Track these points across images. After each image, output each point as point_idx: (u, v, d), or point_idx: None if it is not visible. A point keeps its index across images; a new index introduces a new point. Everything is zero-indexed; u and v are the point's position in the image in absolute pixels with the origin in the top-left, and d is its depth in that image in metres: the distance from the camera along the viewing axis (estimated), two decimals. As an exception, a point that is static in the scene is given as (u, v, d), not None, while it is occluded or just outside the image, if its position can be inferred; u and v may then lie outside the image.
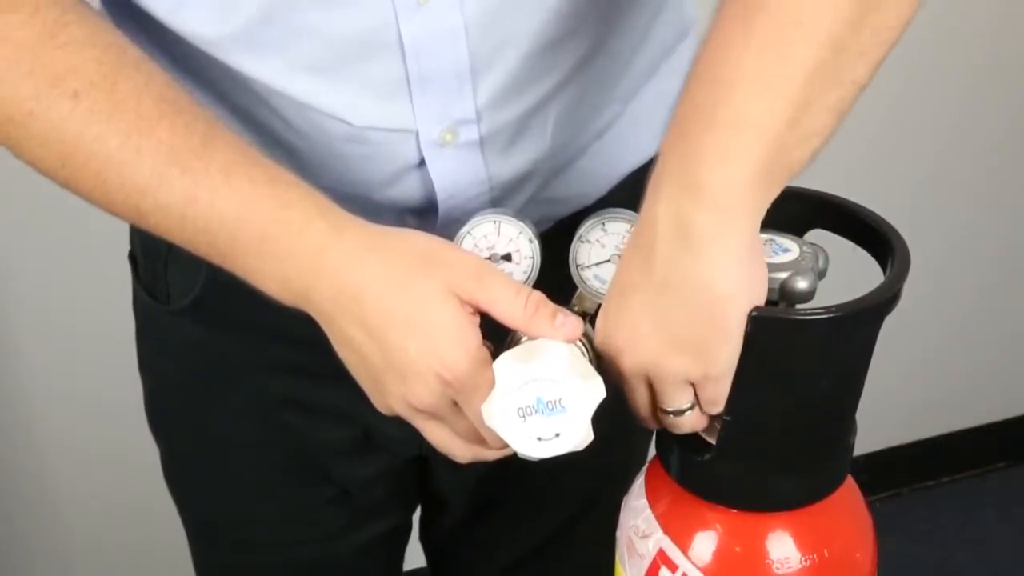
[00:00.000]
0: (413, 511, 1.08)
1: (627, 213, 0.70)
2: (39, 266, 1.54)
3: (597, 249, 0.70)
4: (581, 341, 0.67)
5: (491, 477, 0.97)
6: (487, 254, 0.69)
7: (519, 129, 0.78)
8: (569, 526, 1.04)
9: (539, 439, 0.63)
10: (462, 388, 0.65)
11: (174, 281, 0.90)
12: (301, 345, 0.86)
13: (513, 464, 0.97)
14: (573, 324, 0.65)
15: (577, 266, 0.69)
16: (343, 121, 0.74)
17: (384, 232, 0.68)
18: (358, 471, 0.96)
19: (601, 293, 0.67)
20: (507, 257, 0.69)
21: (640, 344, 0.63)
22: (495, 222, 0.69)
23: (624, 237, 0.70)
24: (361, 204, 0.79)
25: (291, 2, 0.69)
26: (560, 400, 0.63)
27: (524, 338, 0.67)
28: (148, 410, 1.01)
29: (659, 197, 0.61)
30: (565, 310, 0.66)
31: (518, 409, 0.63)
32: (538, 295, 0.66)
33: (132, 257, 0.95)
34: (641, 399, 0.67)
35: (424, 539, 1.15)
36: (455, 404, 0.67)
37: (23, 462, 1.69)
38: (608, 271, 0.68)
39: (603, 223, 0.70)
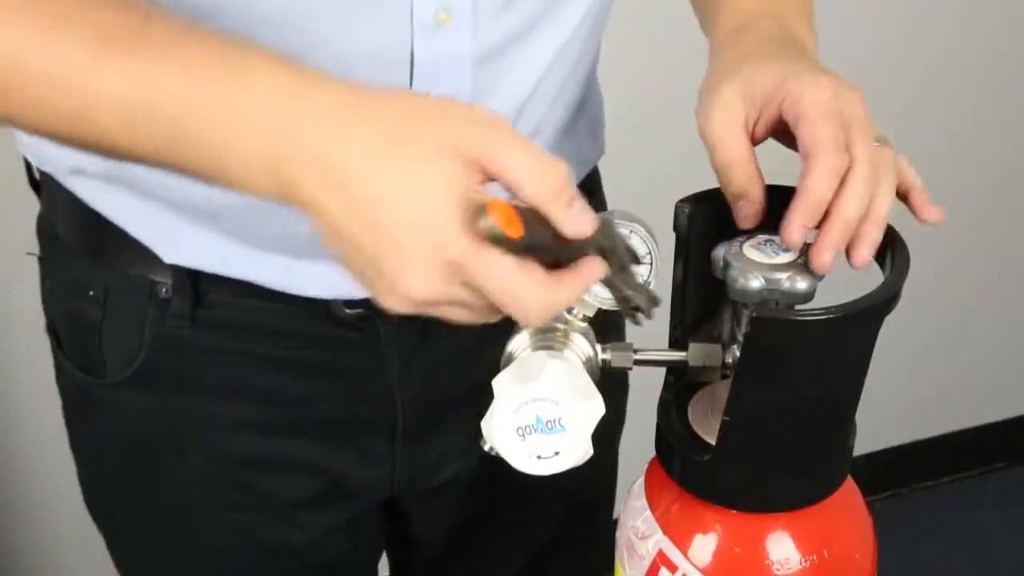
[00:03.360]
0: (379, 559, 1.02)
1: (627, 216, 0.70)
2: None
3: None
4: (581, 353, 0.67)
5: (464, 505, 0.95)
6: None
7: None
8: (548, 549, 1.02)
9: (538, 457, 0.63)
10: (470, 267, 0.55)
11: (110, 351, 0.84)
12: (263, 400, 0.85)
13: (485, 496, 0.94)
14: (587, 221, 0.56)
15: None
16: None
17: (366, 87, 0.57)
18: (324, 523, 0.91)
19: (603, 297, 0.67)
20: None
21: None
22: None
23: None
24: None
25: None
26: (559, 420, 0.63)
27: (521, 352, 0.67)
28: (87, 492, 0.94)
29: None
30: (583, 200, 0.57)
31: (517, 428, 0.63)
32: (568, 172, 0.56)
33: (51, 330, 0.89)
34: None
35: None
36: (466, 284, 0.56)
37: (11, 466, 1.69)
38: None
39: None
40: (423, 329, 0.85)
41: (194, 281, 0.81)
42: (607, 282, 0.62)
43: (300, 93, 0.56)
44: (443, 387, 0.88)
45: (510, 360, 0.68)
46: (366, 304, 0.81)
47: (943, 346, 2.15)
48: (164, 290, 0.81)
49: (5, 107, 0.61)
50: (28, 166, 0.87)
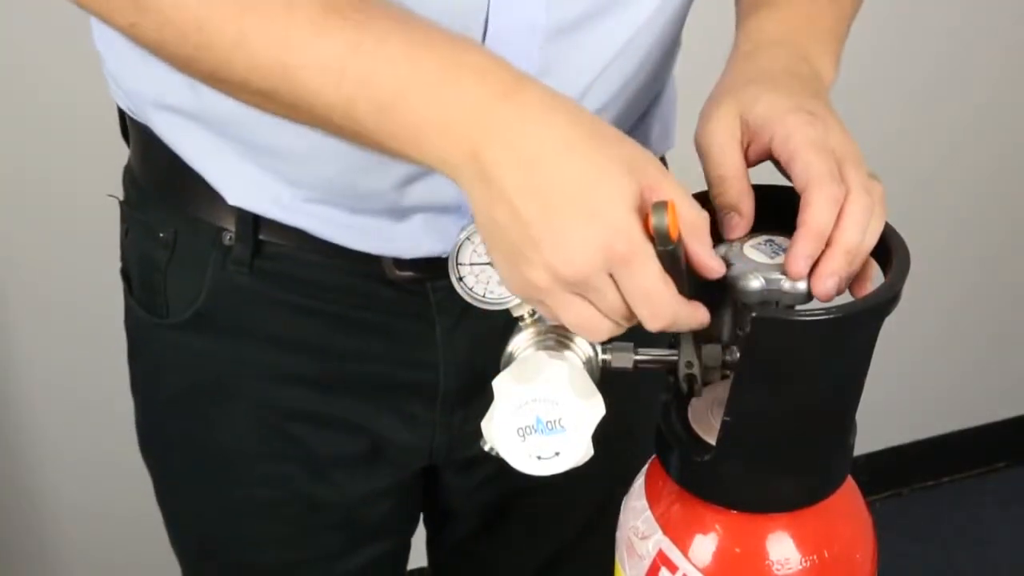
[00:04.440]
0: (414, 530, 1.05)
1: None
2: (36, 267, 1.54)
3: None
4: (581, 354, 0.67)
5: (502, 479, 0.96)
6: (487, 260, 0.69)
7: None
8: (583, 535, 1.03)
9: (539, 458, 0.64)
10: (632, 262, 0.60)
11: (174, 293, 0.88)
12: (313, 353, 0.87)
13: (523, 473, 0.97)
14: (718, 265, 0.64)
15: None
16: None
17: (566, 97, 0.63)
18: (364, 486, 0.94)
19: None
20: None
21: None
22: None
23: None
24: (390, 201, 0.80)
25: None
26: (559, 420, 0.63)
27: (521, 352, 0.67)
28: (141, 432, 0.98)
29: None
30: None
31: (517, 429, 0.63)
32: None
33: (124, 273, 0.93)
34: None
35: (432, 562, 1.12)
36: (609, 276, 0.61)
37: (12, 467, 1.69)
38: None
39: None
40: None
41: (255, 230, 0.84)
42: (689, 337, 0.67)
43: (515, 85, 0.61)
44: (484, 359, 0.89)
45: (510, 360, 0.68)
46: (417, 267, 0.84)
47: (943, 346, 2.15)
48: (228, 237, 0.85)
49: (211, 60, 0.64)
50: (121, 115, 0.91)
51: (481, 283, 0.69)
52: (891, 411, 2.08)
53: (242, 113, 0.66)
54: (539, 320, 0.69)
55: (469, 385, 0.90)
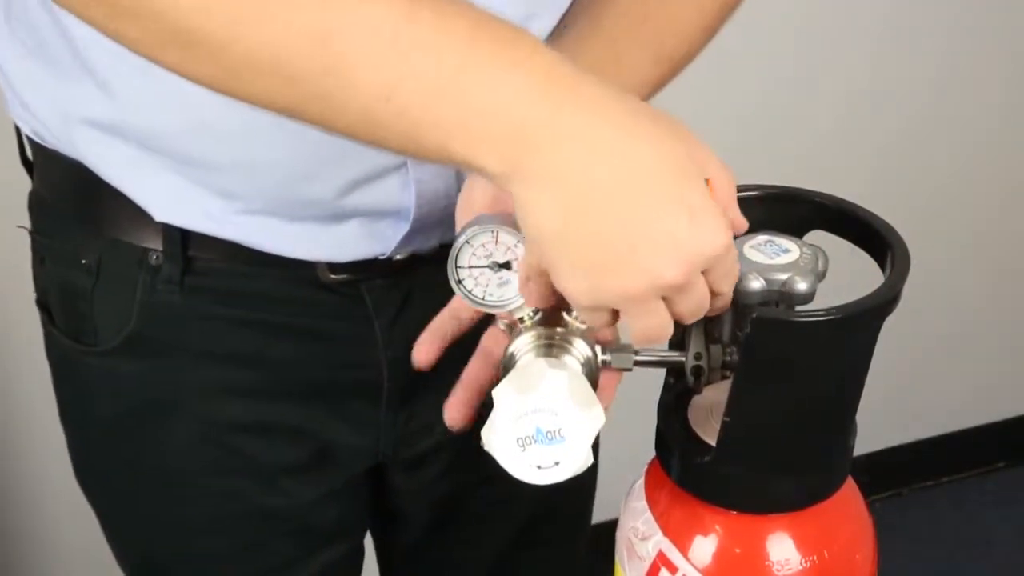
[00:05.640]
0: (365, 532, 1.03)
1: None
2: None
3: None
4: (581, 356, 0.67)
5: (450, 475, 0.96)
6: (486, 262, 0.69)
7: None
8: (535, 522, 1.02)
9: (538, 467, 0.63)
10: (729, 248, 0.59)
11: (103, 319, 0.85)
12: (253, 364, 0.86)
13: (470, 467, 0.97)
14: (744, 221, 0.64)
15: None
16: None
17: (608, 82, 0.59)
18: (313, 491, 0.92)
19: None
20: (506, 265, 0.69)
21: None
22: (492, 231, 0.69)
23: None
24: (330, 208, 0.79)
25: None
26: (559, 430, 0.63)
27: (522, 356, 0.67)
28: (77, 461, 0.95)
29: None
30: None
31: (517, 439, 0.63)
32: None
33: (42, 304, 0.90)
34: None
35: (384, 569, 1.10)
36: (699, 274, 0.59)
37: (12, 467, 1.69)
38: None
39: None
40: (406, 295, 0.88)
41: (184, 247, 0.82)
42: (701, 329, 0.67)
43: (573, 85, 0.57)
44: None
45: (511, 362, 0.68)
46: (350, 269, 0.84)
47: (943, 346, 2.15)
48: (155, 257, 0.83)
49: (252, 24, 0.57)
50: (20, 143, 0.88)
51: (480, 286, 0.69)
52: (891, 411, 2.08)
53: (166, 123, 0.65)
54: (539, 322, 0.69)
55: (412, 382, 0.90)
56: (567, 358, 0.67)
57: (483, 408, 0.65)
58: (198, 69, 0.58)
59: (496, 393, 0.63)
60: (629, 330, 0.62)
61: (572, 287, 0.59)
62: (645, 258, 0.57)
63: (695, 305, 0.60)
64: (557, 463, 0.63)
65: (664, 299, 0.59)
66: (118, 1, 0.56)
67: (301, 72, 0.56)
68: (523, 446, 0.63)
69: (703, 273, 0.59)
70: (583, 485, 1.06)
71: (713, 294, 0.61)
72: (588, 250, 0.57)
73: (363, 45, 0.55)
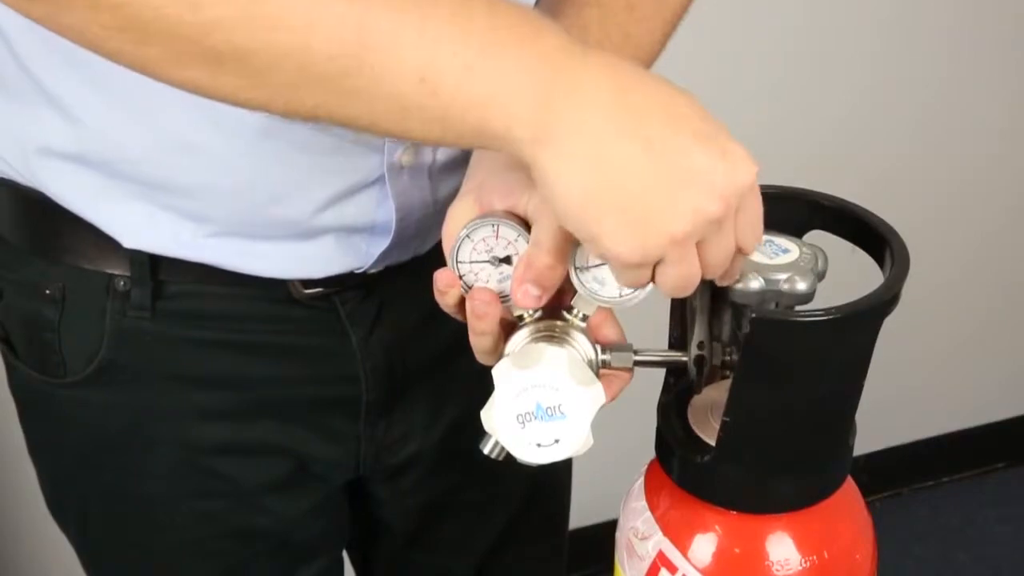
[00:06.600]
0: (343, 547, 1.02)
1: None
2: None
3: None
4: (582, 352, 0.67)
5: (429, 481, 0.96)
6: (486, 257, 0.69)
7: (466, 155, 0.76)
8: (519, 519, 1.03)
9: (538, 445, 0.63)
10: (755, 183, 0.60)
11: (71, 350, 0.84)
12: (228, 386, 0.85)
13: (450, 471, 0.96)
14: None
15: (576, 268, 0.69)
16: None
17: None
18: (294, 508, 0.92)
19: (599, 296, 0.67)
20: (506, 260, 0.69)
21: None
22: (493, 225, 0.69)
23: None
24: (304, 226, 0.79)
25: None
26: (559, 407, 0.63)
27: (523, 342, 0.67)
28: (50, 495, 0.94)
29: None
30: None
31: (517, 415, 0.63)
32: None
33: (2, 338, 0.88)
34: None
35: None
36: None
37: (12, 467, 1.69)
38: (606, 272, 0.67)
39: None
40: (380, 306, 0.87)
41: (153, 271, 0.81)
42: (705, 318, 0.67)
43: (596, 51, 0.59)
44: (403, 363, 0.90)
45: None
46: (324, 283, 0.83)
47: (943, 346, 2.15)
48: (122, 283, 0.82)
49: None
50: None
51: (481, 281, 0.69)
52: (891, 411, 2.08)
53: (134, 149, 0.64)
54: (539, 319, 0.69)
55: (392, 390, 0.90)
56: (567, 346, 0.67)
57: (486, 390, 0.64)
58: (222, 83, 0.58)
59: (496, 371, 0.63)
60: (661, 285, 0.61)
61: (621, 247, 0.58)
62: (688, 198, 0.57)
63: (725, 250, 0.60)
64: (557, 440, 0.63)
65: (697, 246, 0.59)
66: (146, 26, 0.55)
67: (330, 68, 0.56)
68: (523, 423, 0.63)
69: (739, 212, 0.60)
70: (559, 481, 1.07)
71: (737, 250, 0.61)
72: (631, 203, 0.57)
73: (392, 30, 0.55)
